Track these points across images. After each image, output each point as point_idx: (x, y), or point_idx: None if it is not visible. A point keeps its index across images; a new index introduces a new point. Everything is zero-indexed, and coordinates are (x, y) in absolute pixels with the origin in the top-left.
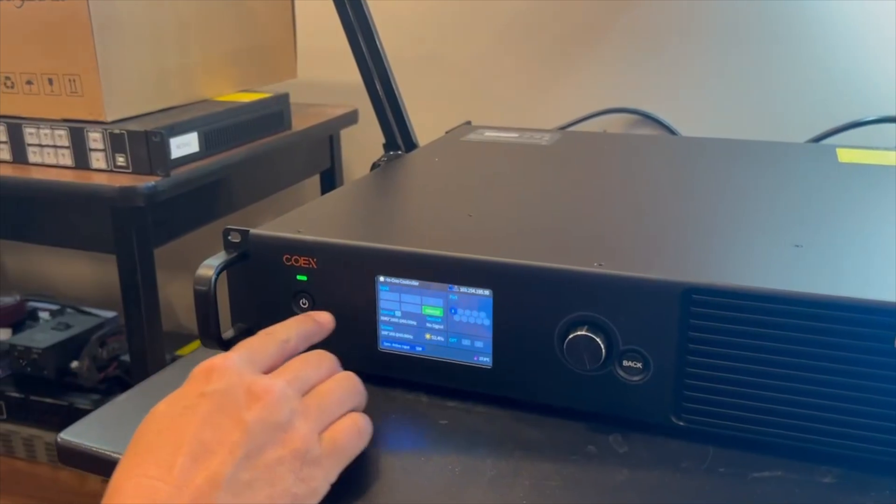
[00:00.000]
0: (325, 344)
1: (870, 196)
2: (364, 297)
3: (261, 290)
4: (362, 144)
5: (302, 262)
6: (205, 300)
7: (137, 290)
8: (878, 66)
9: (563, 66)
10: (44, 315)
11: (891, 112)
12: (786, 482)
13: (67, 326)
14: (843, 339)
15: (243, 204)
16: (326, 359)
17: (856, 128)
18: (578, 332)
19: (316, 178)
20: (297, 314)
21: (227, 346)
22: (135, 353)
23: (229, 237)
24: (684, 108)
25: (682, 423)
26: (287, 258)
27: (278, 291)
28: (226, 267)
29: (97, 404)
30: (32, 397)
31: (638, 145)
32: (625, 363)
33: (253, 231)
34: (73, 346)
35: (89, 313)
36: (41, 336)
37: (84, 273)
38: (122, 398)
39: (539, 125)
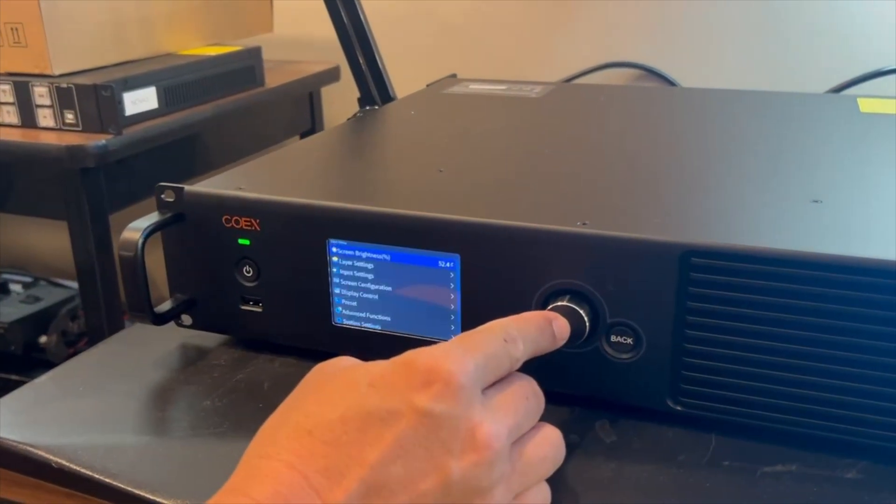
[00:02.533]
0: (273, 318)
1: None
2: (314, 264)
3: (199, 256)
4: (347, 103)
5: (243, 223)
6: (132, 267)
7: (91, 261)
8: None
9: (558, 17)
10: (15, 288)
11: None
12: (802, 478)
13: (37, 299)
14: (870, 309)
15: (213, 166)
16: (541, 401)
17: (877, 77)
18: (559, 303)
19: (296, 140)
20: (242, 284)
21: (160, 319)
22: (92, 329)
23: (163, 196)
24: (690, 62)
25: (679, 409)
26: (227, 219)
27: (219, 258)
28: (156, 229)
29: None
30: None
31: (638, 97)
32: (613, 338)
33: (188, 188)
34: (42, 320)
35: (60, 285)
36: (8, 310)
37: (61, 243)
38: (44, 379)
39: (533, 81)
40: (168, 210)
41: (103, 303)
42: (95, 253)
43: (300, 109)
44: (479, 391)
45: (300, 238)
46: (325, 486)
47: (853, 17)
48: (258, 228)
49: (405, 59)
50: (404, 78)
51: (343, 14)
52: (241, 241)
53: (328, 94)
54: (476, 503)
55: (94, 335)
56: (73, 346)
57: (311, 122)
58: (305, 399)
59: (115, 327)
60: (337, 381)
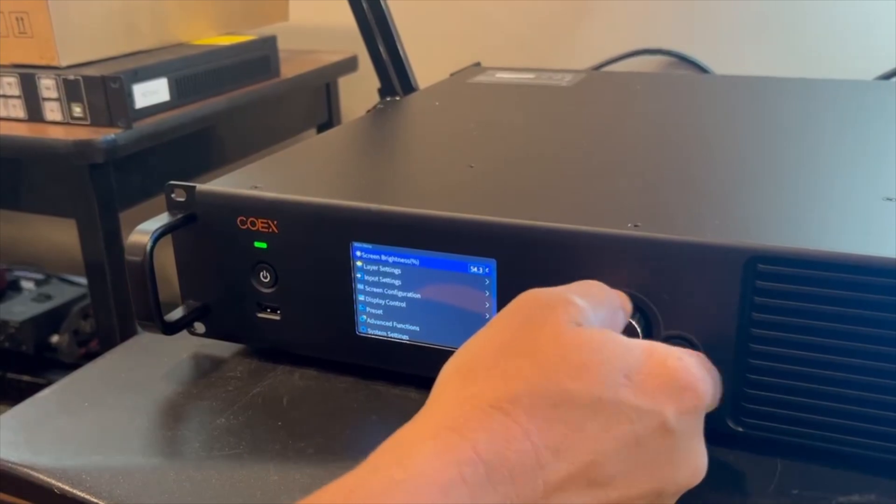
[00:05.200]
0: (292, 326)
1: None
2: (337, 269)
3: (213, 260)
4: (365, 95)
5: (260, 225)
6: (140, 273)
7: (101, 260)
8: None
9: (584, 2)
10: (28, 285)
11: None
12: None
13: (48, 298)
14: None
15: (227, 161)
16: None
17: None
18: None
19: (313, 133)
20: (259, 290)
21: (171, 329)
22: (102, 330)
23: (173, 195)
24: (724, 49)
25: (741, 430)
26: (242, 221)
27: (233, 262)
28: (166, 232)
29: None
30: (9, 375)
31: (676, 85)
32: None
33: (200, 187)
34: (53, 319)
35: (75, 283)
36: (20, 308)
37: (73, 238)
38: (47, 393)
39: (561, 68)
40: (179, 210)
41: (114, 303)
42: (105, 252)
43: (317, 101)
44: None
45: (322, 241)
46: (552, 463)
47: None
48: (276, 231)
49: (426, 47)
50: (425, 67)
51: (363, 1)
52: (257, 244)
53: (346, 84)
54: None
55: (104, 336)
56: (84, 345)
57: (328, 115)
58: (548, 361)
59: (125, 327)
60: (586, 350)
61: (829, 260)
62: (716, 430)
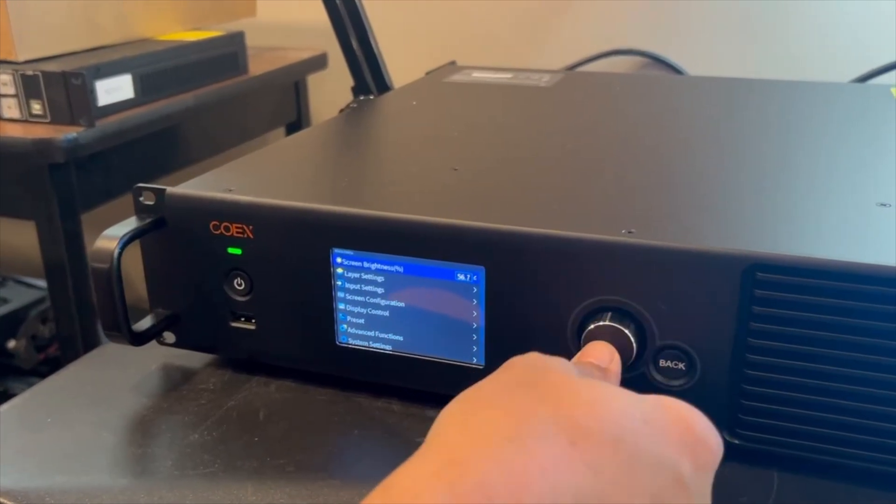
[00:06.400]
0: (268, 336)
1: None
2: (316, 276)
3: (183, 266)
4: (335, 93)
5: (234, 230)
6: (106, 281)
7: (62, 263)
8: None
9: (562, 3)
10: None
11: None
12: None
13: (4, 301)
14: None
15: (192, 160)
16: None
17: None
18: (600, 323)
19: (281, 133)
20: (233, 298)
21: (139, 339)
22: (63, 336)
23: (141, 198)
24: (698, 50)
25: (737, 442)
26: (215, 225)
27: (206, 269)
28: (134, 237)
29: None
30: None
31: (654, 86)
32: (662, 363)
33: (170, 190)
34: (10, 324)
35: (31, 285)
36: None
37: (30, 239)
38: (6, 408)
39: (535, 68)
40: (147, 214)
41: (75, 308)
42: (67, 255)
43: (285, 99)
44: None
45: (300, 247)
46: None
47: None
48: (251, 236)
49: (398, 44)
50: (398, 65)
51: None
52: (231, 249)
53: (314, 82)
54: None
55: (65, 342)
56: (43, 351)
57: (296, 113)
58: (568, 394)
59: (88, 334)
60: (605, 392)
61: (830, 268)
62: None
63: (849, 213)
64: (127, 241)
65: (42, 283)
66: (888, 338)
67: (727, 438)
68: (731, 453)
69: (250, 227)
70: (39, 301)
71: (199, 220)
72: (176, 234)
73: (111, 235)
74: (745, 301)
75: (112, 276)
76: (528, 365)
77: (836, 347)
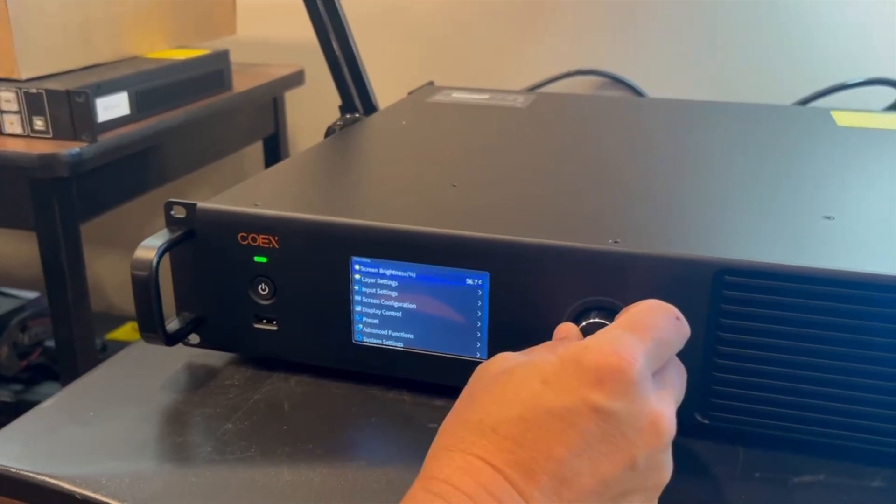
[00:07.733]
0: (289, 336)
1: (886, 162)
2: (335, 281)
3: (211, 274)
4: (310, 108)
5: (261, 241)
6: (145, 288)
7: (62, 272)
8: (861, 26)
9: (527, 25)
10: None
11: (874, 74)
12: (831, 487)
13: None
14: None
15: (179, 173)
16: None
17: (842, 91)
18: (590, 320)
19: (258, 146)
20: (257, 302)
21: (172, 340)
22: (61, 340)
23: (172, 212)
24: (653, 70)
25: (707, 422)
26: (243, 237)
27: (232, 276)
28: (169, 248)
29: (19, 396)
30: None
31: (622, 108)
32: None
33: (200, 205)
34: None
35: (9, 294)
36: None
37: (9, 250)
38: (49, 404)
39: (503, 87)
40: (178, 227)
41: (74, 314)
42: (67, 264)
43: (264, 114)
44: (650, 379)
45: (322, 255)
46: (519, 479)
47: (815, 30)
48: (276, 246)
49: (377, 64)
50: (376, 84)
51: (324, 16)
52: (257, 258)
53: (291, 98)
54: (657, 478)
55: (63, 349)
56: (25, 358)
57: (275, 127)
58: (481, 399)
59: (85, 342)
60: (508, 379)
61: (788, 272)
62: (685, 422)
63: (800, 225)
64: (164, 251)
65: (21, 293)
66: (837, 330)
67: (699, 419)
68: (702, 432)
69: (276, 238)
70: (19, 309)
71: (228, 231)
72: (205, 244)
73: (150, 245)
74: (715, 300)
75: (150, 282)
76: (477, 376)
77: (793, 339)
